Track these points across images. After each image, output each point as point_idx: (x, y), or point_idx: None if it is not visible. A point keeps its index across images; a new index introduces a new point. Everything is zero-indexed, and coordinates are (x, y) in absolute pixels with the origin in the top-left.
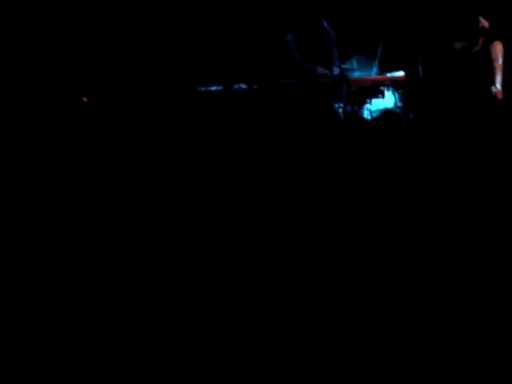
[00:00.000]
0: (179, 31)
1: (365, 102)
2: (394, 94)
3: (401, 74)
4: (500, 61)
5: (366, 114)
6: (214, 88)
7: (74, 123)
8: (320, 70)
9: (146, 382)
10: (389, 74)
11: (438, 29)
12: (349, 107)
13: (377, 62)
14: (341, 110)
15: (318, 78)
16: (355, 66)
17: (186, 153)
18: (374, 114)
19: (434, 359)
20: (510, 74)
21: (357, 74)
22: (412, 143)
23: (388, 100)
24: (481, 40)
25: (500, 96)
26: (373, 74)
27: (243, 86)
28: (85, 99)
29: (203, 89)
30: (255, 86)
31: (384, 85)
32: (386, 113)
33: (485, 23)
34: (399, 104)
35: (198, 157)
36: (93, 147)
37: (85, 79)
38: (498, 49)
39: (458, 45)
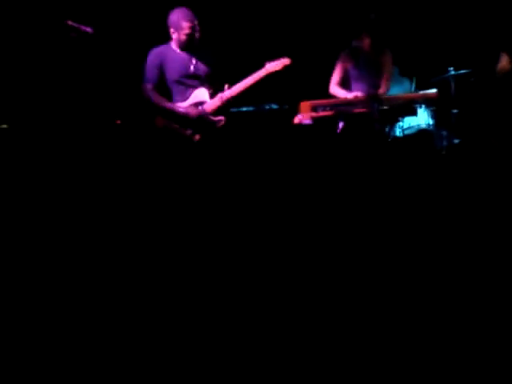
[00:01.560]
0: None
1: (397, 120)
2: (426, 112)
3: (433, 91)
4: None
5: (399, 132)
6: (244, 109)
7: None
8: (352, 94)
9: (145, 382)
10: (421, 92)
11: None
12: (381, 125)
13: (411, 80)
14: (374, 128)
15: (351, 97)
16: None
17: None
18: (406, 132)
19: (433, 359)
20: None
21: (390, 92)
22: (444, 161)
23: (420, 118)
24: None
25: None
26: (406, 91)
27: (274, 106)
28: (118, 122)
29: (235, 110)
30: (286, 106)
31: (416, 102)
32: (418, 131)
33: None
34: (431, 122)
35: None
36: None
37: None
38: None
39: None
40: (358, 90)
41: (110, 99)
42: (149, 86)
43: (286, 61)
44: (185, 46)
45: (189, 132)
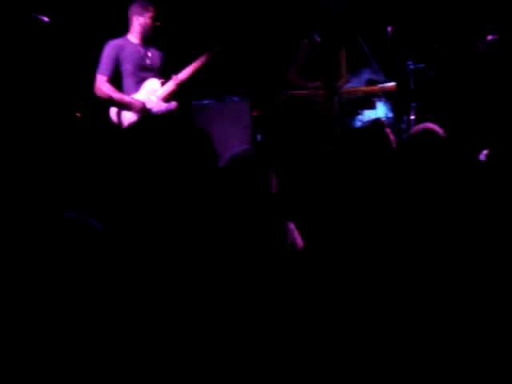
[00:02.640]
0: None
1: (357, 113)
2: (385, 105)
3: (392, 84)
4: None
5: (358, 125)
6: (206, 102)
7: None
8: (310, 84)
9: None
10: (380, 85)
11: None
12: (341, 118)
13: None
14: (335, 121)
15: (310, 89)
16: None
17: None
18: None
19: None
20: None
21: (349, 85)
22: (404, 153)
23: (379, 110)
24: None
25: None
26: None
27: (235, 98)
28: (78, 114)
29: (197, 102)
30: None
31: (376, 95)
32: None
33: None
34: (390, 114)
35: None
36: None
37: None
38: None
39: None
40: (315, 81)
41: (69, 91)
42: (103, 78)
43: (220, 45)
44: (147, 33)
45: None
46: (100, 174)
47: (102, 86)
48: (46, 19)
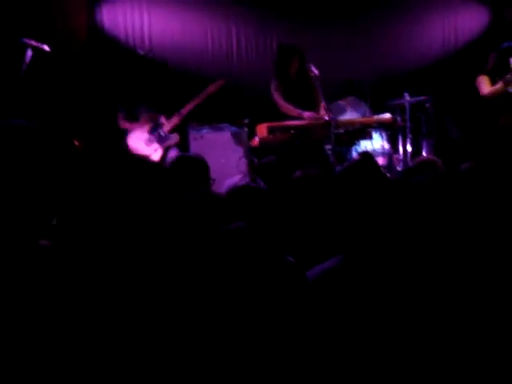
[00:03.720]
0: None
1: (353, 144)
2: (381, 136)
3: (388, 116)
4: None
5: (355, 156)
6: (204, 131)
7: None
8: (306, 113)
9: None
10: (376, 116)
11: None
12: (337, 148)
13: (367, 104)
14: (330, 152)
15: (306, 120)
16: (346, 107)
17: None
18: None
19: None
20: None
21: (347, 116)
22: (400, 184)
23: (376, 141)
24: None
25: None
26: (362, 115)
27: (233, 128)
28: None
29: (195, 131)
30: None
31: (372, 127)
32: (373, 154)
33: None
34: (387, 145)
35: None
36: None
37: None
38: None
39: None
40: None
41: (68, 117)
42: None
43: (221, 82)
44: None
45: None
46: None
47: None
48: (45, 47)
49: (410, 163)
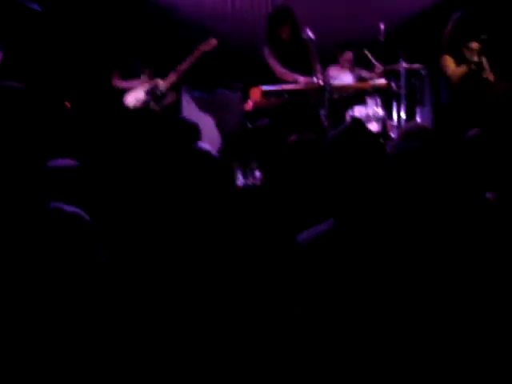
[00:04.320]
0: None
1: (347, 109)
2: (375, 101)
3: (383, 81)
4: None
5: (347, 121)
6: (196, 93)
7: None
8: (301, 77)
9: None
10: (371, 82)
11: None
12: (331, 113)
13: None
14: (324, 117)
15: (300, 85)
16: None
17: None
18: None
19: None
20: None
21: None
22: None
23: (370, 107)
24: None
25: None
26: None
27: (227, 92)
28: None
29: (188, 95)
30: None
31: (366, 92)
32: (367, 119)
33: None
34: (381, 111)
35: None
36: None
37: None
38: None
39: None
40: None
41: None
42: None
43: (213, 41)
44: None
45: None
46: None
47: None
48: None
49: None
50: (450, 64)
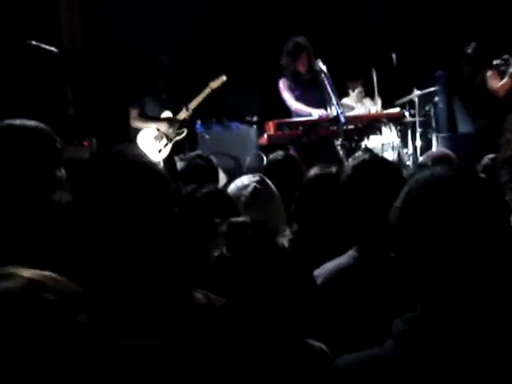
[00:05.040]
0: None
1: (362, 139)
2: (390, 130)
3: (397, 110)
4: None
5: (360, 152)
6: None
7: None
8: (315, 110)
9: None
10: (385, 111)
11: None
12: (346, 144)
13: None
14: (339, 148)
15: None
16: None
17: None
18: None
19: None
20: None
21: (356, 112)
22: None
23: (385, 136)
24: None
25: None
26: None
27: (241, 126)
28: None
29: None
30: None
31: (380, 122)
32: (382, 148)
33: None
34: (396, 140)
35: None
36: None
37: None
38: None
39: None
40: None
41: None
42: None
43: (223, 78)
44: None
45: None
46: None
47: None
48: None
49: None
50: (495, 78)
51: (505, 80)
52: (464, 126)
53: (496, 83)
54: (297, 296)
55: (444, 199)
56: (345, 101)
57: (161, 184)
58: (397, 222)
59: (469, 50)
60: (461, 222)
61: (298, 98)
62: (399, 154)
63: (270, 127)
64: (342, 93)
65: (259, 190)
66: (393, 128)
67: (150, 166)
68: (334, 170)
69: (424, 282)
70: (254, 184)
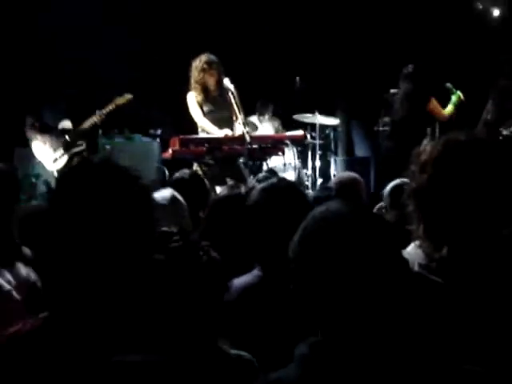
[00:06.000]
0: None
1: (265, 159)
2: (292, 151)
3: (300, 132)
4: None
5: (263, 172)
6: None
7: None
8: (219, 131)
9: None
10: (288, 133)
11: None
12: (250, 162)
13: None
14: (243, 166)
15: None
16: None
17: None
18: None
19: None
20: None
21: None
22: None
23: (287, 157)
24: None
25: None
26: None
27: (145, 138)
28: None
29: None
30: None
31: (283, 143)
32: (284, 168)
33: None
34: (297, 161)
35: None
36: None
37: None
38: None
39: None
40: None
41: None
42: None
43: (128, 96)
44: None
45: None
46: None
47: None
48: None
49: (333, 180)
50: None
51: (449, 108)
52: (360, 151)
53: (440, 110)
54: (213, 304)
55: (335, 235)
56: (251, 119)
57: (140, 195)
58: (294, 256)
59: (409, 69)
60: (352, 258)
61: (205, 114)
62: (299, 175)
63: (176, 142)
64: (248, 110)
65: (177, 200)
66: (294, 149)
67: (131, 177)
68: (242, 190)
69: (320, 313)
70: (172, 193)
